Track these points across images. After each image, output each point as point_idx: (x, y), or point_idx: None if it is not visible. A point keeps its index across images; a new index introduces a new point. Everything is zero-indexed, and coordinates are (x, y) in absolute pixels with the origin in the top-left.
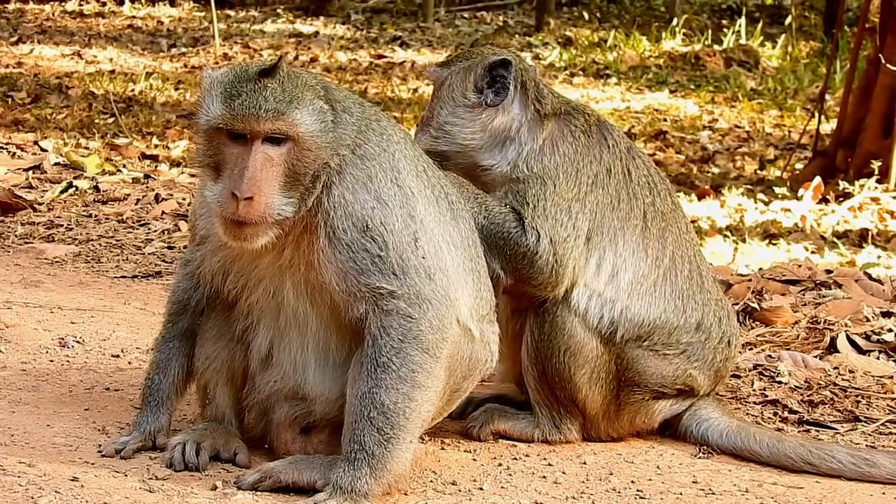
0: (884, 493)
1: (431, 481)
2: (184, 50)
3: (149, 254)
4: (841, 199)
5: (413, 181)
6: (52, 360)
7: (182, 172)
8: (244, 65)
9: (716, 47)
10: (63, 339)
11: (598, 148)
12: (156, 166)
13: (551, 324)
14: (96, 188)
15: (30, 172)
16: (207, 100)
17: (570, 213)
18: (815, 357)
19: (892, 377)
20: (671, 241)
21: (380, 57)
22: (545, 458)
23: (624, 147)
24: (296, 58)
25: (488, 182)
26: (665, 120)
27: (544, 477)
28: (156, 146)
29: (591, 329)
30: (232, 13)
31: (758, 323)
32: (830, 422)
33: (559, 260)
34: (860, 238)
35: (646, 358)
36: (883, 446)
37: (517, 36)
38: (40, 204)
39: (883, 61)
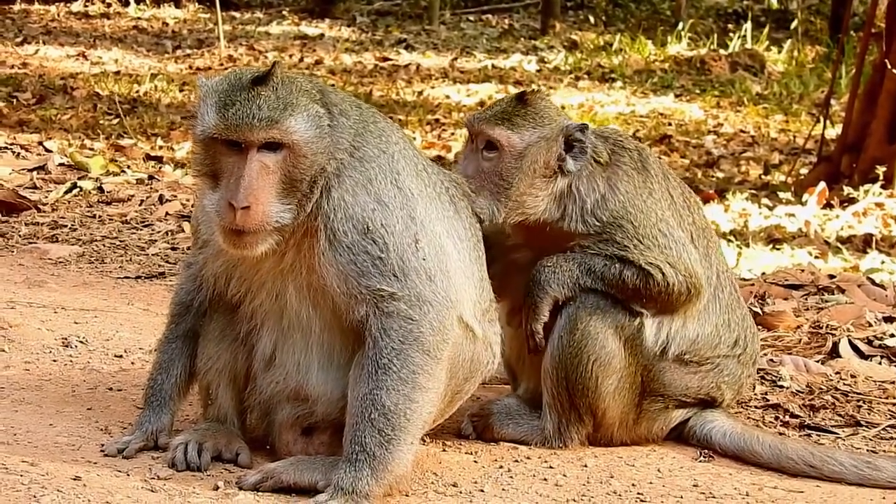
0: (884, 499)
1: (432, 483)
2: (188, 51)
3: (152, 255)
4: (845, 204)
5: (413, 182)
6: (55, 360)
7: (186, 174)
8: (239, 72)
9: (721, 52)
10: (66, 339)
11: (648, 180)
12: (160, 167)
13: (583, 332)
14: (100, 189)
15: (34, 173)
16: (202, 109)
17: (664, 233)
18: (817, 362)
19: (893, 382)
20: (714, 258)
21: (385, 59)
22: (546, 461)
23: (661, 172)
24: (301, 60)
25: (557, 233)
26: (670, 124)
27: (545, 479)
28: (160, 147)
29: (645, 348)
30: (237, 15)
31: (760, 327)
32: (832, 426)
33: (689, 274)
34: (864, 243)
35: (674, 370)
36: (884, 451)
37: (522, 39)
38: (44, 204)
39: (889, 67)
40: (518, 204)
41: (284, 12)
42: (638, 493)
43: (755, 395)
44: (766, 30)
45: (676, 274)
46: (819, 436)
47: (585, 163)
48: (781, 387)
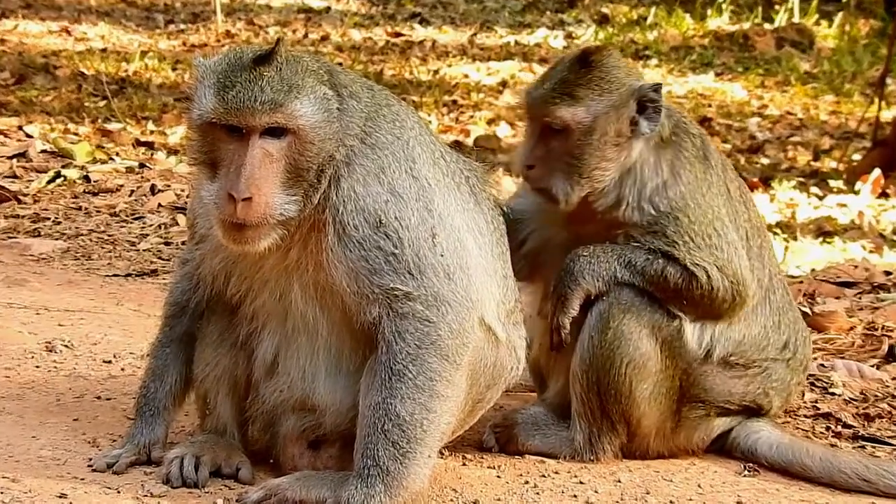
0: None
1: (451, 500)
2: (182, 27)
3: (144, 250)
4: None
5: (430, 170)
6: (38, 366)
7: (180, 161)
8: (239, 51)
9: (766, 26)
10: (50, 343)
11: (708, 171)
12: (151, 154)
13: (616, 331)
14: (86, 178)
15: (14, 160)
16: (199, 91)
17: (718, 233)
18: (872, 366)
19: None
20: (767, 258)
21: (397, 35)
22: (576, 476)
23: (721, 163)
24: (305, 36)
25: (604, 219)
26: (710, 105)
27: (575, 496)
28: (151, 132)
29: (686, 350)
30: None
31: (810, 329)
32: (888, 437)
33: (737, 280)
34: None
35: (717, 374)
36: None
37: (548, 13)
38: (25, 195)
39: None
40: (589, 178)
41: None
42: None
43: (804, 403)
44: (814, 2)
45: (723, 279)
46: (874, 448)
47: (659, 126)
48: (833, 394)
